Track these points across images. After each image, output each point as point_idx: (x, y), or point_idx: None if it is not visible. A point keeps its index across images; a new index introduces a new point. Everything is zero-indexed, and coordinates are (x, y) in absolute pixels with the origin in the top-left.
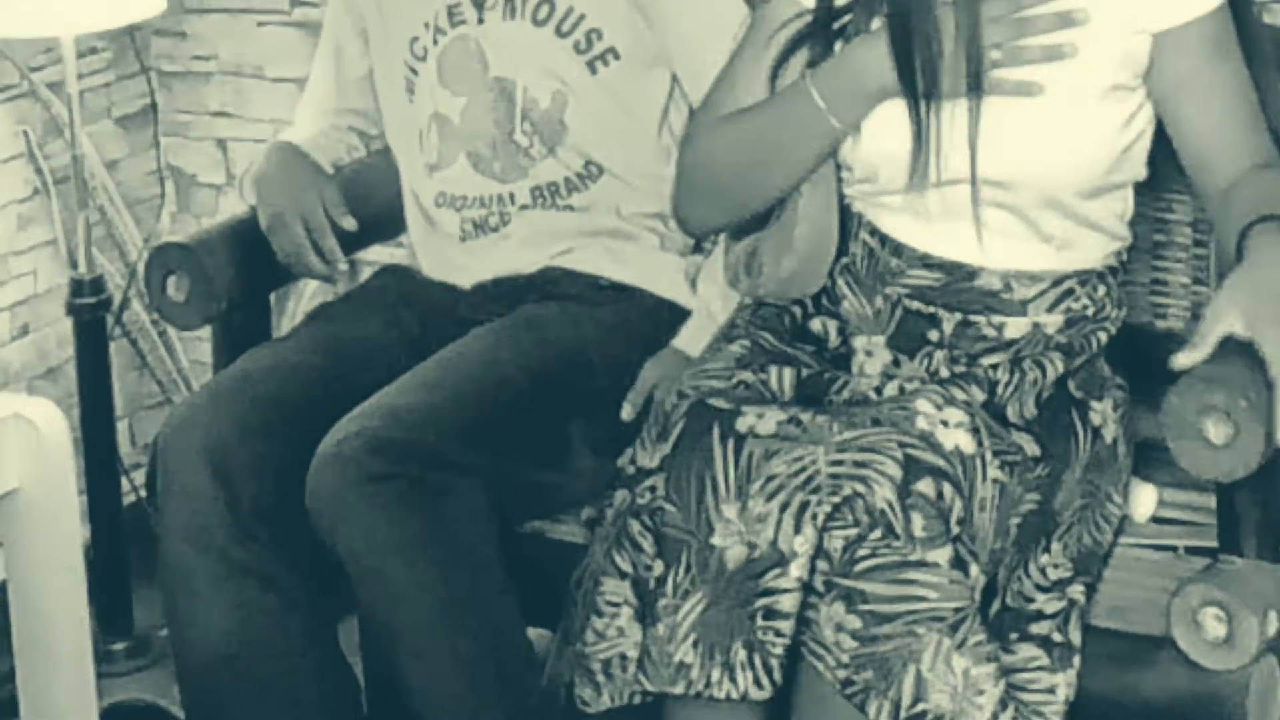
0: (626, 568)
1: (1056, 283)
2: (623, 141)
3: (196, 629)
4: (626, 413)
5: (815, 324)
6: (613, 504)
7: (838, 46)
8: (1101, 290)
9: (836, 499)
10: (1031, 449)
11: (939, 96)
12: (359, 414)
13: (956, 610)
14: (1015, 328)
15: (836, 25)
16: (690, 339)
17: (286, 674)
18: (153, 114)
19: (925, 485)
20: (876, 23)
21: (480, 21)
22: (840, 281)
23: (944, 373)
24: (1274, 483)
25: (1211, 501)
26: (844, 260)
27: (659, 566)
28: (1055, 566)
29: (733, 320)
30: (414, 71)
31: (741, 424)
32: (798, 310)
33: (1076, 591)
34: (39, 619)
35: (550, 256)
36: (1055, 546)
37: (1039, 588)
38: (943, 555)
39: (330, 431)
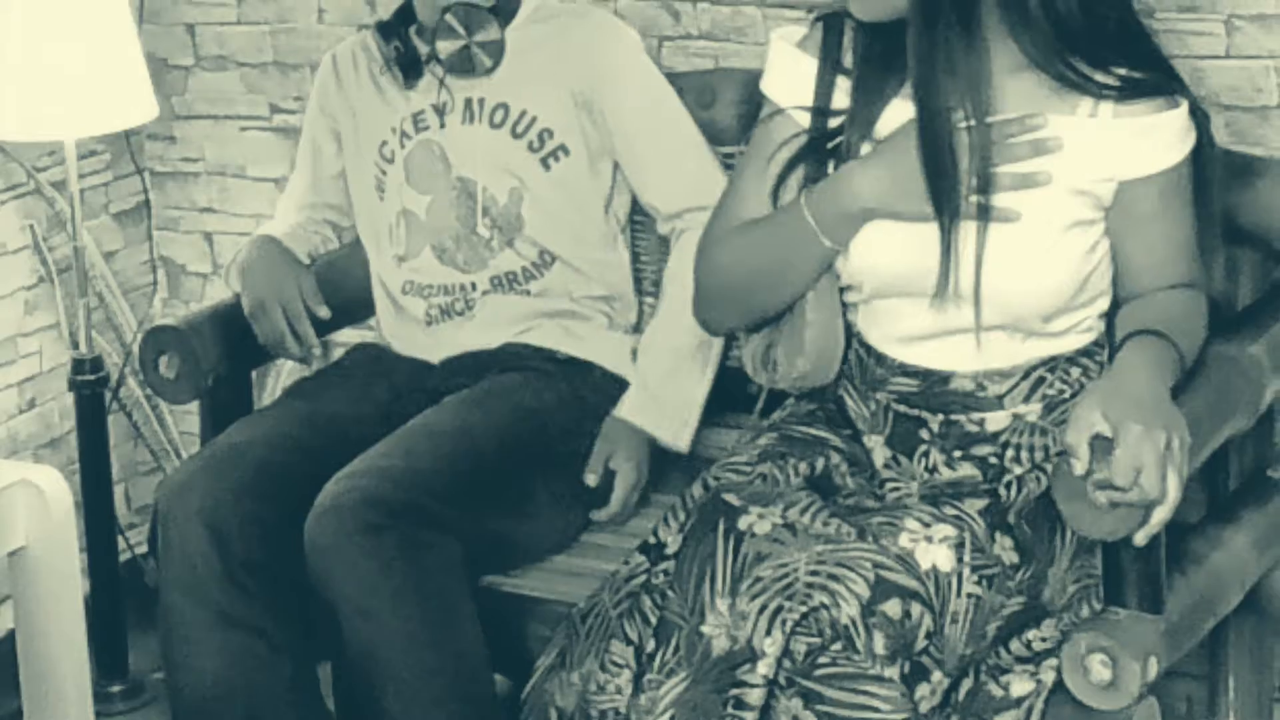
0: (633, 636)
1: (1026, 374)
2: (574, 231)
3: (191, 673)
4: (592, 481)
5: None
6: (628, 561)
7: (831, 165)
8: (1076, 372)
9: (804, 608)
10: (1010, 558)
11: (958, 216)
12: (352, 473)
13: None
14: (996, 421)
15: (830, 145)
16: (630, 408)
17: (272, 714)
18: (146, 210)
19: (891, 606)
20: (866, 146)
21: (442, 127)
22: (841, 389)
23: (944, 472)
24: (1152, 543)
25: None
26: (843, 367)
27: (652, 644)
28: (1043, 640)
29: (773, 421)
30: (383, 172)
31: (743, 522)
32: (834, 407)
33: (1048, 670)
34: (44, 664)
35: (511, 335)
36: (1047, 623)
37: (1018, 659)
38: (897, 671)
39: (325, 487)
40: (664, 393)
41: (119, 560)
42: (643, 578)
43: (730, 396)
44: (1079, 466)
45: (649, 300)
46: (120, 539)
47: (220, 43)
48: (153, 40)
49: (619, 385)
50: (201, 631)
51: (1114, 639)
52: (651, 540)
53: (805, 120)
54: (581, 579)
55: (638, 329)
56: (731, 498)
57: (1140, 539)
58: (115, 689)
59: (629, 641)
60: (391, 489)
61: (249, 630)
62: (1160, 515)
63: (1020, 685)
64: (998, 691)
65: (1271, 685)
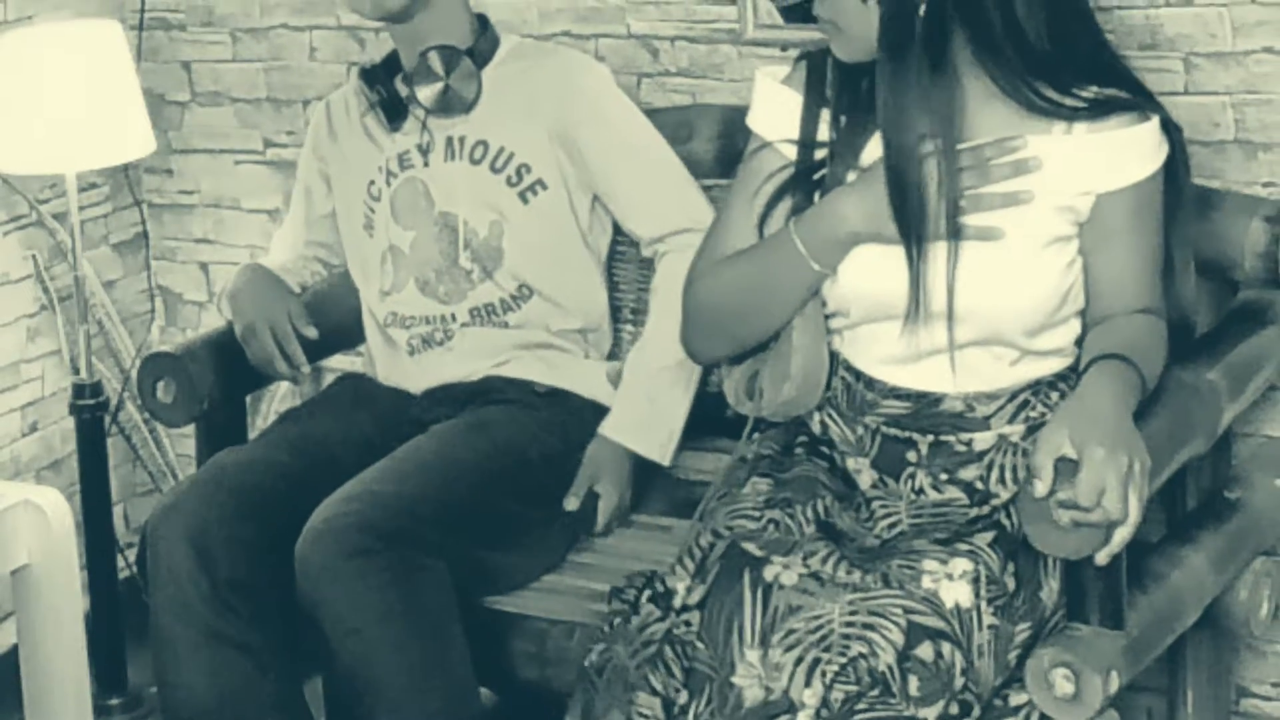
0: (658, 686)
1: (1012, 397)
2: (552, 264)
3: (182, 689)
4: (571, 505)
5: (823, 447)
6: (638, 612)
7: (816, 196)
8: (1055, 396)
9: (843, 659)
10: (1010, 583)
11: (925, 240)
12: (342, 497)
13: None
14: (982, 441)
15: (816, 176)
16: (615, 426)
17: None
18: (144, 241)
19: (924, 650)
20: (851, 175)
21: (426, 165)
22: (823, 415)
23: (930, 494)
24: (1113, 561)
25: None
26: (826, 394)
27: (684, 696)
28: None
29: (753, 454)
30: (371, 210)
31: (769, 573)
32: (805, 438)
33: None
34: (45, 678)
35: (490, 367)
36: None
37: (1016, 680)
38: (933, 712)
39: (316, 511)
40: (649, 410)
41: (118, 578)
42: (659, 627)
43: (710, 421)
44: (1040, 487)
45: (627, 329)
46: (119, 558)
47: (216, 79)
48: (150, 77)
49: (595, 410)
50: (190, 649)
51: (1076, 654)
52: (660, 588)
53: (791, 153)
54: (565, 597)
55: (613, 356)
56: (751, 547)
57: (1102, 558)
58: (114, 702)
59: (654, 692)
60: (382, 514)
61: (236, 647)
62: (1122, 535)
63: (1017, 695)
64: (996, 701)
65: (1228, 698)
